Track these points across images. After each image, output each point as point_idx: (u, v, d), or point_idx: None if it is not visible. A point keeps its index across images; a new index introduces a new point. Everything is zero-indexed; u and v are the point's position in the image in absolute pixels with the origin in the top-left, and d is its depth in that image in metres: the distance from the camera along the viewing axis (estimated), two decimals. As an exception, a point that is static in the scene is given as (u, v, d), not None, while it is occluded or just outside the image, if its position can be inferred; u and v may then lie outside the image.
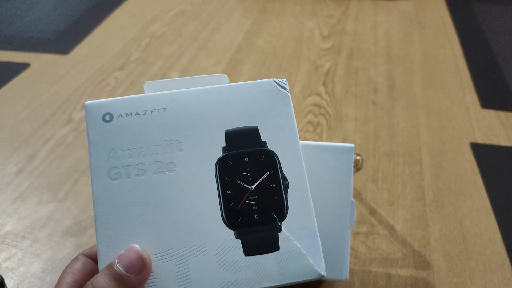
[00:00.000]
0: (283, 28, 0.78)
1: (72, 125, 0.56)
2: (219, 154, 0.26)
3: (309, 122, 0.55)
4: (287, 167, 0.26)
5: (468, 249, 0.40)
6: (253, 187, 0.25)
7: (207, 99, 0.27)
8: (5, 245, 0.41)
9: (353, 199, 0.33)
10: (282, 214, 0.25)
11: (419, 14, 0.83)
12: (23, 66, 0.68)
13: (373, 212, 0.44)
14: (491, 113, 0.58)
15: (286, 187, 0.25)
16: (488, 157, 0.50)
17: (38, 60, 0.69)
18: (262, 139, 0.26)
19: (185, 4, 0.87)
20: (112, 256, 0.23)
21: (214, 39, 0.74)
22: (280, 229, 0.25)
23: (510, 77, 0.65)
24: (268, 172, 0.25)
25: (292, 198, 0.25)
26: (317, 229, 0.25)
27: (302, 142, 0.34)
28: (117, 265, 0.22)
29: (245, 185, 0.25)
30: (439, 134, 0.54)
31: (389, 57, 0.70)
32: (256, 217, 0.25)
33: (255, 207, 0.25)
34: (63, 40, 0.75)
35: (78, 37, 0.76)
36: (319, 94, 0.61)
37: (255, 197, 0.25)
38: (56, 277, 0.38)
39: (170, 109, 0.26)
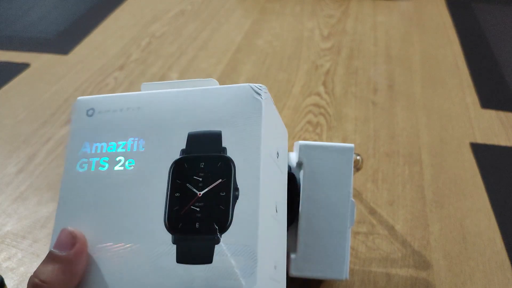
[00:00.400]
0: (283, 28, 0.78)
1: (72, 125, 0.56)
2: (178, 156, 0.25)
3: (309, 122, 0.55)
4: (242, 177, 0.24)
5: (468, 249, 0.40)
6: (201, 193, 0.24)
7: (180, 101, 0.26)
8: (5, 245, 0.41)
9: (353, 199, 0.33)
10: (224, 226, 0.23)
11: (419, 14, 0.83)
12: (23, 66, 0.68)
13: (373, 212, 0.44)
14: (491, 113, 0.58)
15: (236, 198, 0.24)
16: (488, 157, 0.50)
17: (38, 60, 0.69)
18: (224, 145, 0.25)
19: (185, 4, 0.87)
20: None
21: (214, 39, 0.74)
22: (217, 241, 0.23)
23: (510, 77, 0.65)
24: (221, 180, 0.24)
25: (239, 211, 0.23)
26: (257, 249, 0.23)
27: (302, 142, 0.34)
28: (52, 249, 0.23)
29: (194, 190, 0.24)
30: (439, 134, 0.54)
31: (389, 57, 0.70)
32: (197, 225, 0.23)
33: (199, 215, 0.24)
34: (63, 40, 0.75)
35: (78, 37, 0.76)
36: (319, 94, 0.61)
37: (201, 204, 0.24)
38: (56, 277, 0.38)
39: (142, 108, 0.27)
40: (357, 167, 0.40)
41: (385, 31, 0.77)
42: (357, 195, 0.45)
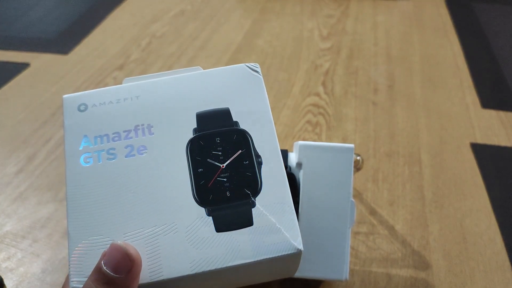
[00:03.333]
0: (283, 28, 0.78)
1: (72, 125, 0.56)
2: (191, 135, 0.26)
3: (308, 121, 0.55)
4: (261, 145, 0.26)
5: (468, 249, 0.40)
6: (224, 165, 0.25)
7: (179, 86, 0.27)
8: (4, 245, 0.41)
9: (353, 199, 0.33)
10: (256, 190, 0.25)
11: (419, 14, 0.83)
12: (23, 66, 0.68)
13: (373, 212, 0.44)
14: (491, 113, 0.58)
15: (260, 163, 0.25)
16: (488, 157, 0.50)
17: (38, 60, 0.69)
18: (235, 120, 0.26)
19: (185, 4, 0.87)
20: (81, 237, 0.23)
21: (214, 39, 0.74)
22: (253, 205, 0.24)
23: (510, 77, 0.65)
24: (240, 150, 0.26)
25: (267, 174, 0.25)
26: (292, 204, 0.25)
27: (302, 142, 0.34)
28: (104, 268, 0.21)
29: (216, 163, 0.25)
30: (439, 134, 0.54)
31: (389, 57, 0.69)
32: (228, 194, 0.25)
33: (227, 184, 0.25)
34: (63, 40, 0.75)
35: (77, 37, 0.76)
36: (318, 94, 0.61)
37: (227, 175, 0.25)
38: (56, 278, 0.38)
39: (142, 96, 0.27)
40: (357, 167, 0.40)
41: (385, 31, 0.77)
42: (357, 195, 0.45)
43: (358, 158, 0.40)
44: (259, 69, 0.28)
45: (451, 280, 0.38)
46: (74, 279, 0.22)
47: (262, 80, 0.27)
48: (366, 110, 0.58)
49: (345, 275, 0.33)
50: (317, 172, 0.33)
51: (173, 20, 0.81)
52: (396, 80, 0.64)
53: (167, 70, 0.66)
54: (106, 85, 0.63)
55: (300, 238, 0.23)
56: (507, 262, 0.39)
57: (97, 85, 0.63)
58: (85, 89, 0.62)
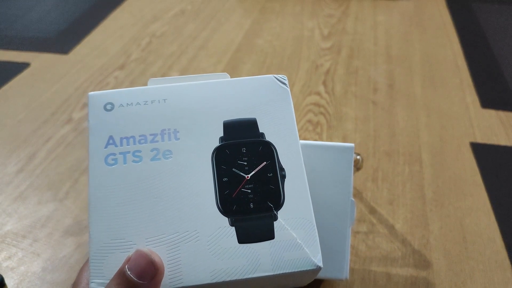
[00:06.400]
0: (283, 28, 0.78)
1: (72, 125, 0.56)
2: (216, 143, 0.26)
3: (309, 121, 0.56)
4: (285, 158, 0.26)
5: (468, 248, 0.40)
6: (249, 175, 0.25)
7: (207, 92, 0.27)
8: (5, 244, 0.41)
9: (353, 198, 0.33)
10: (278, 203, 0.25)
11: (419, 13, 0.83)
12: (23, 66, 0.68)
13: (373, 211, 0.44)
14: (491, 113, 0.58)
15: (283, 177, 0.25)
16: (488, 156, 0.51)
17: (38, 60, 0.69)
18: (261, 131, 0.27)
19: (185, 4, 0.87)
20: (102, 239, 0.23)
21: (214, 39, 0.74)
22: (275, 218, 0.24)
23: (510, 76, 0.65)
24: (265, 162, 0.26)
25: (290, 188, 0.25)
26: (314, 220, 0.25)
27: (302, 141, 0.34)
28: (128, 272, 0.21)
29: (241, 173, 0.25)
30: (439, 134, 0.54)
31: (389, 57, 0.70)
32: (251, 205, 0.25)
33: (251, 195, 0.25)
34: (63, 39, 0.75)
35: (78, 37, 0.76)
36: (318, 94, 0.61)
37: (251, 186, 0.25)
38: (56, 276, 0.38)
39: (170, 100, 0.27)
40: (357, 166, 0.40)
41: (385, 30, 0.77)
42: (357, 194, 0.46)
43: (358, 157, 0.40)
44: (286, 81, 0.28)
45: (451, 279, 0.38)
46: (94, 280, 0.22)
47: (289, 92, 0.28)
48: (366, 110, 0.58)
49: (345, 274, 0.33)
50: (317, 172, 0.33)
51: (173, 19, 0.81)
52: (396, 79, 0.64)
53: (167, 69, 0.66)
54: (107, 84, 0.63)
55: (320, 255, 0.24)
56: (507, 261, 0.39)
57: (97, 85, 0.63)
58: (86, 89, 0.62)
